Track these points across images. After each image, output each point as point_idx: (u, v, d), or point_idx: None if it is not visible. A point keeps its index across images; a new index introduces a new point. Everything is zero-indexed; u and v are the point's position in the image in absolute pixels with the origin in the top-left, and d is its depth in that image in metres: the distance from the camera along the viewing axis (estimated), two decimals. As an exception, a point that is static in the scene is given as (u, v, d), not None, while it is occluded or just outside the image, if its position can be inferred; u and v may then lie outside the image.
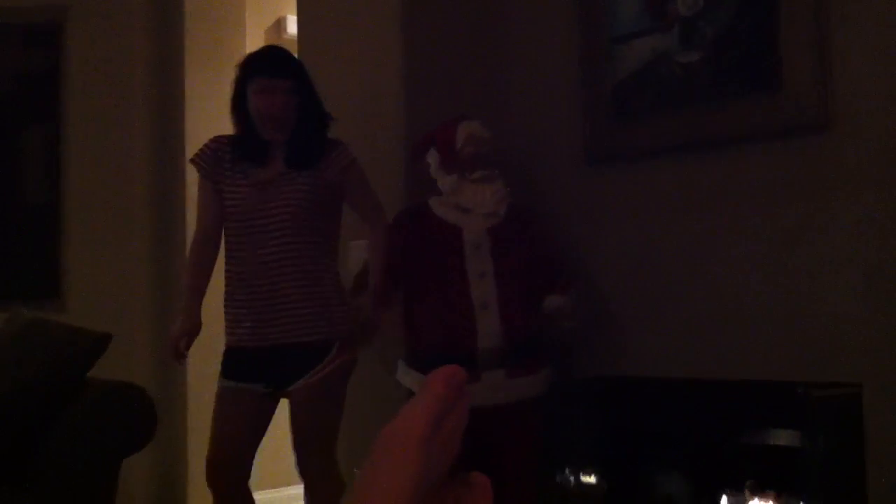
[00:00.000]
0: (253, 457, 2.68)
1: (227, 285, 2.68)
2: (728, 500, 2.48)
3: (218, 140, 2.71)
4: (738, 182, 2.56)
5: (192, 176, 3.97)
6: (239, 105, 2.64)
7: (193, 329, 2.69)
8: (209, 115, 4.10)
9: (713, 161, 2.61)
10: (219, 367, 2.69)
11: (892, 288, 2.24)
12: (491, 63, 3.18)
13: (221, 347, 2.69)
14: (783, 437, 2.35)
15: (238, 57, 4.14)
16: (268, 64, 2.62)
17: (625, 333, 2.82)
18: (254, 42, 4.27)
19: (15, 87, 4.25)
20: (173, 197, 4.14)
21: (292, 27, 4.02)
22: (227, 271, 2.67)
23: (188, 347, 2.70)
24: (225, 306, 2.70)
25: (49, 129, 4.24)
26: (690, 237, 2.66)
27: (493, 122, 2.80)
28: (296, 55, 3.44)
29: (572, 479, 2.73)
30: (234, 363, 2.66)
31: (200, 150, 2.70)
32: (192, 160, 2.71)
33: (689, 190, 2.67)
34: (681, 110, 2.66)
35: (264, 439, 2.71)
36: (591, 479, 2.71)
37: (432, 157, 2.74)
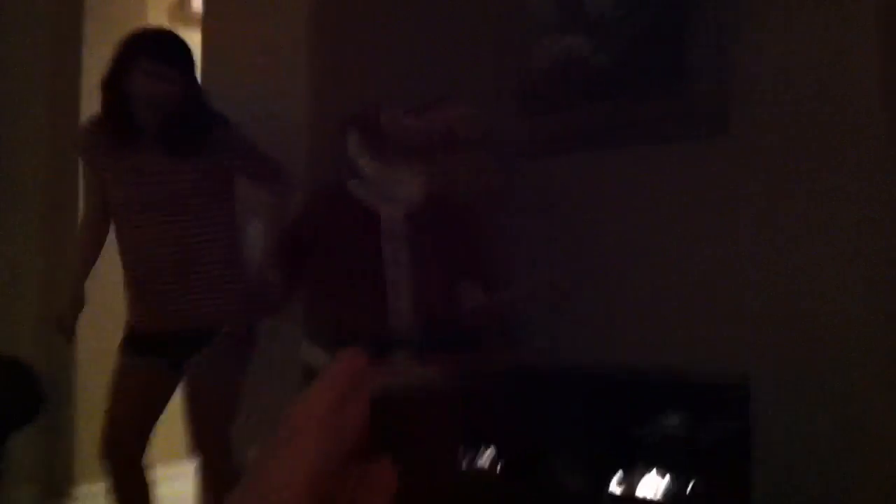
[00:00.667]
0: (150, 433, 2.67)
1: (123, 267, 2.66)
2: (621, 478, 2.60)
3: (93, 122, 2.65)
4: (641, 181, 2.65)
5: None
6: (116, 82, 2.54)
7: (77, 305, 2.68)
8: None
9: (617, 159, 2.69)
10: (108, 343, 2.68)
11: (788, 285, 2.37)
12: (402, 47, 3.19)
13: (111, 324, 2.68)
14: (676, 426, 2.48)
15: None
16: (161, 48, 2.55)
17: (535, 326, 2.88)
18: (157, 16, 4.17)
19: None
20: (65, 175, 4.02)
21: (197, 4, 3.96)
22: (120, 254, 2.65)
23: (74, 322, 2.68)
24: (124, 285, 2.68)
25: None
26: (591, 235, 2.75)
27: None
28: (199, 32, 3.43)
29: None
30: (132, 341, 2.66)
31: (79, 132, 2.67)
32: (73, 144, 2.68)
33: (592, 187, 2.75)
34: (589, 108, 2.74)
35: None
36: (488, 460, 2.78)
37: (352, 138, 2.69)
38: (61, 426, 3.92)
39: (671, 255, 2.59)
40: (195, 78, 2.62)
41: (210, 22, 3.34)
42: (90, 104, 3.86)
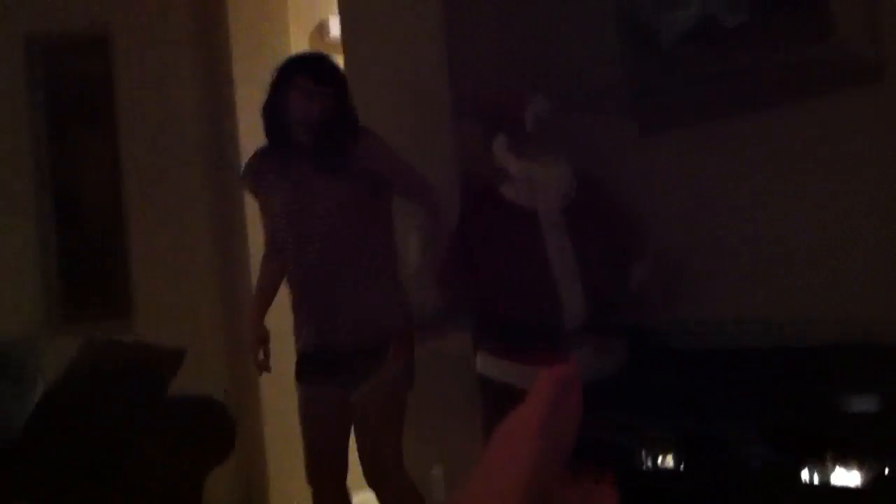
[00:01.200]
0: (345, 455, 2.71)
1: (289, 292, 2.72)
2: (810, 473, 2.43)
3: (257, 153, 2.75)
4: (794, 138, 2.48)
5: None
6: (274, 105, 2.65)
7: (260, 338, 2.73)
8: (259, 118, 4.14)
9: (768, 120, 2.54)
10: (287, 368, 2.73)
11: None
12: (534, 43, 3.13)
13: (287, 347, 2.74)
14: (862, 403, 2.30)
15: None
16: (315, 67, 2.64)
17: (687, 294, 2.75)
18: (298, 45, 4.29)
19: (68, 97, 4.34)
20: (232, 207, 4.19)
21: (335, 30, 4.03)
22: (286, 279, 2.71)
23: (267, 356, 2.73)
24: (292, 312, 2.74)
25: (106, 143, 4.31)
26: (750, 198, 2.60)
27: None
28: (340, 57, 3.49)
29: (649, 459, 2.70)
30: (304, 367, 2.71)
31: (245, 166, 2.75)
32: (240, 178, 2.76)
33: (744, 150, 2.60)
34: (731, 72, 2.58)
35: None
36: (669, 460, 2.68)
37: (500, 142, 2.69)
38: (254, 458, 4.08)
39: (835, 213, 2.41)
40: (347, 95, 2.67)
41: (349, 46, 3.37)
42: (247, 131, 4.07)
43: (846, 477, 2.33)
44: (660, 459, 2.73)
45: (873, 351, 2.28)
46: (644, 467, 2.69)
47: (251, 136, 4.04)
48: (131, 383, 2.86)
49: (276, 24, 4.24)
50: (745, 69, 2.54)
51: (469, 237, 2.68)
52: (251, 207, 4.06)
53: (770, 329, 2.56)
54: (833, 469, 2.34)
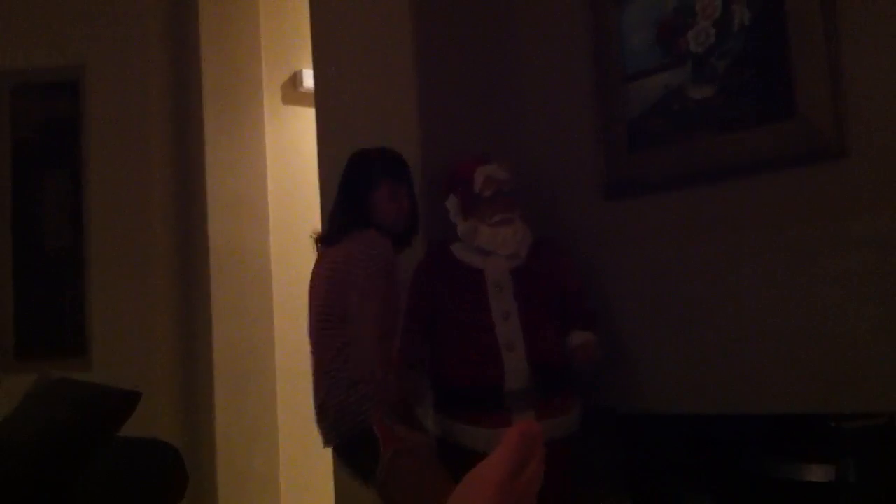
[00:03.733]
0: None
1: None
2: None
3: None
4: (754, 210, 2.56)
5: (215, 232, 4.09)
6: (360, 199, 2.67)
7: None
8: (228, 167, 4.18)
9: (728, 190, 2.62)
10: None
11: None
12: (505, 106, 3.21)
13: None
14: (816, 473, 2.33)
15: (255, 112, 4.25)
16: (398, 168, 2.71)
17: (643, 364, 2.80)
18: (271, 96, 4.34)
19: (37, 137, 4.33)
20: (195, 252, 4.18)
21: (308, 81, 4.09)
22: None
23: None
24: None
25: (70, 181, 4.30)
26: (707, 265, 2.66)
27: (509, 161, 2.81)
28: (311, 109, 3.53)
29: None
30: None
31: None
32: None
33: (705, 219, 2.68)
34: (695, 142, 2.67)
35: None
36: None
37: (451, 203, 2.76)
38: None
39: (789, 286, 2.47)
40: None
41: (322, 98, 3.42)
42: (214, 180, 4.08)
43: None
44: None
45: (827, 422, 2.34)
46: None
47: (218, 186, 4.12)
48: (83, 423, 2.81)
49: (249, 74, 4.29)
50: (710, 142, 2.62)
51: (421, 296, 2.71)
52: (214, 254, 4.11)
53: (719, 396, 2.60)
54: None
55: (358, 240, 2.57)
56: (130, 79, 4.31)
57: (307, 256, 2.79)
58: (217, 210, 4.12)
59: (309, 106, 3.71)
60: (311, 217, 3.25)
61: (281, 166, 4.30)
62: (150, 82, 4.34)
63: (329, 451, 2.65)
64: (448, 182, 2.80)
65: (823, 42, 2.37)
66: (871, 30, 2.32)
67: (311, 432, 2.64)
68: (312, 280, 2.69)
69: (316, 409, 2.61)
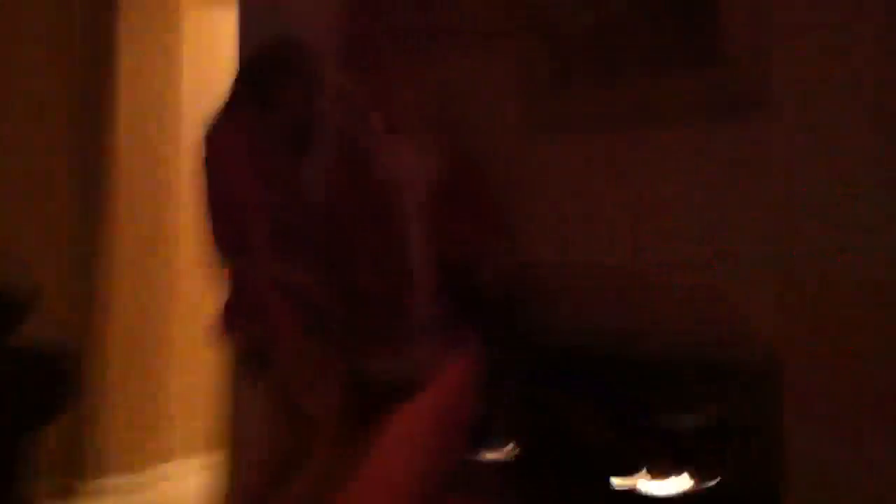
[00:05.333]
0: None
1: None
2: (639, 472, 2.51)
3: None
4: (676, 157, 2.58)
5: (125, 142, 3.93)
6: None
7: None
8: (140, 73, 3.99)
9: (652, 135, 2.62)
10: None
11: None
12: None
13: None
14: (700, 417, 2.36)
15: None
16: None
17: (555, 304, 2.80)
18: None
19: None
20: (105, 159, 4.03)
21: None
22: None
23: None
24: None
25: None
26: (625, 210, 2.68)
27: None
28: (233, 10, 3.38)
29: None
30: None
31: None
32: None
33: (626, 163, 2.68)
34: (614, 86, 2.67)
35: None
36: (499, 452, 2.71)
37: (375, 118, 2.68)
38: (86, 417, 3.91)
39: (702, 236, 2.51)
40: None
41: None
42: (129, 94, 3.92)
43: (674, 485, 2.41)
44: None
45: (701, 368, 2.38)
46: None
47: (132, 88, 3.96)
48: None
49: None
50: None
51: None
52: (123, 155, 3.95)
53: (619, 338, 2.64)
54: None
55: None
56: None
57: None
58: (130, 115, 3.96)
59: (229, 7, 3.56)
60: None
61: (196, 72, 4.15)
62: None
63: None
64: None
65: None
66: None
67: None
68: None
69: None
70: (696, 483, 2.35)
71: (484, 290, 2.65)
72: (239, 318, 2.47)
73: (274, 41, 2.67)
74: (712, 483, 2.34)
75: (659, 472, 2.39)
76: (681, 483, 2.37)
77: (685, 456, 2.39)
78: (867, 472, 2.20)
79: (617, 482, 2.43)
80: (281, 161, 2.54)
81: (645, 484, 2.39)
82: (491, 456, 2.70)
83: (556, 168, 2.86)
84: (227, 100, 2.56)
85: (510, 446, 2.69)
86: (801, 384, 2.28)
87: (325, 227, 2.64)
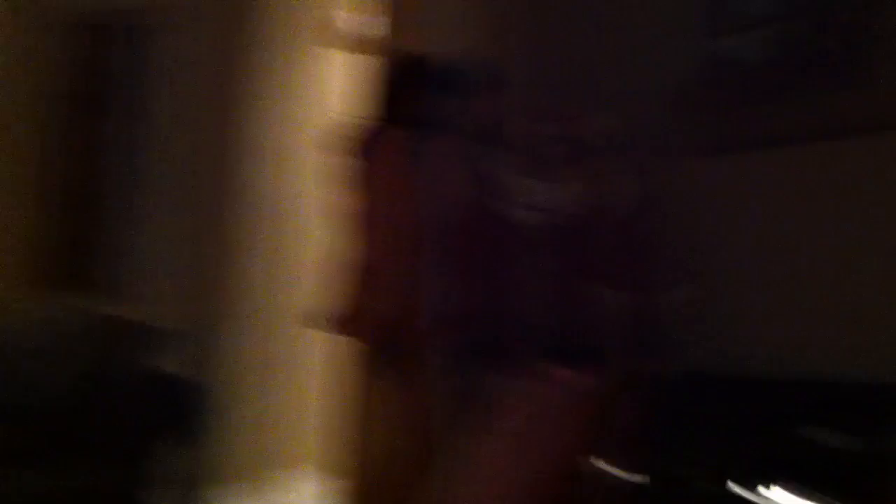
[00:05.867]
0: None
1: None
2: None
3: None
4: (831, 179, 2.52)
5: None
6: None
7: None
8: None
9: (802, 157, 2.58)
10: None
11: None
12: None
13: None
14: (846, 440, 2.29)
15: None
16: None
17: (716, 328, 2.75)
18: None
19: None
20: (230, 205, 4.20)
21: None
22: None
23: None
24: None
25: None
26: (778, 235, 2.64)
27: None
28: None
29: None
30: None
31: None
32: None
33: (765, 187, 2.66)
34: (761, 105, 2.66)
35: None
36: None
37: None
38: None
39: (849, 256, 2.45)
40: None
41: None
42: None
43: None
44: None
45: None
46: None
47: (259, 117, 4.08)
48: (114, 357, 2.84)
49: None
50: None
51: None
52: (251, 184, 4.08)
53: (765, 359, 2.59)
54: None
55: None
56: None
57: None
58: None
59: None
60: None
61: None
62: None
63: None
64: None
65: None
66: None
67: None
68: None
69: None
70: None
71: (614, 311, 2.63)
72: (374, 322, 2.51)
73: (418, 58, 2.71)
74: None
75: (793, 487, 2.33)
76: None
77: (824, 475, 2.33)
78: None
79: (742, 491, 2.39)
80: (434, 177, 2.56)
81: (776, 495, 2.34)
82: (622, 476, 2.68)
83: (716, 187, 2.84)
84: (379, 115, 2.60)
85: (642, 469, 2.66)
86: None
87: (459, 246, 2.69)
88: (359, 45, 3.77)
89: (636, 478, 2.57)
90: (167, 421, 2.90)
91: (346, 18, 4.18)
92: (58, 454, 2.72)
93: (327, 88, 4.33)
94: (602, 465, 2.57)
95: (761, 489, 2.36)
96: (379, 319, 2.51)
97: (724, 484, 2.46)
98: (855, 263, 2.45)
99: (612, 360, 2.60)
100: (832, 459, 2.31)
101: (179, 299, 4.05)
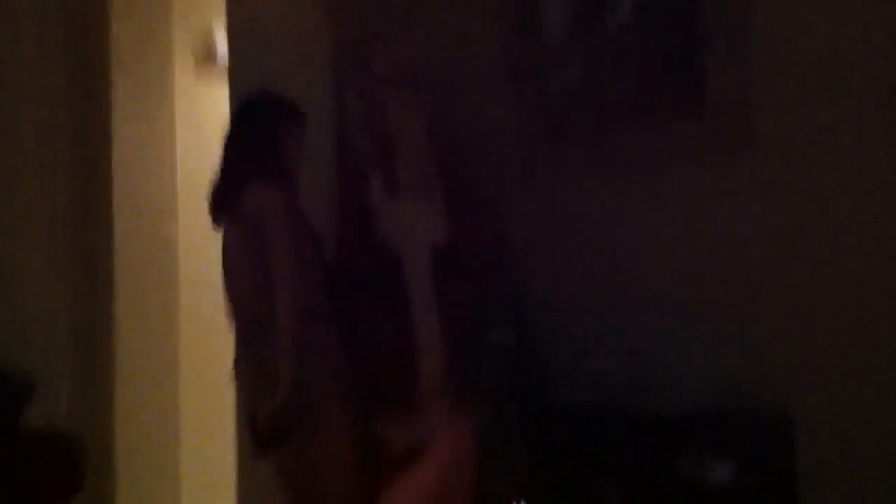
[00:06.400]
0: None
1: None
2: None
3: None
4: (663, 203, 2.57)
5: (120, 226, 3.92)
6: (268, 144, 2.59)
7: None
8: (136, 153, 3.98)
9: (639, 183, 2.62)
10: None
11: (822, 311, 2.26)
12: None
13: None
14: (715, 471, 2.31)
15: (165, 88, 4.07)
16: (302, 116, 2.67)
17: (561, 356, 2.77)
18: (183, 71, 4.16)
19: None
20: (98, 234, 3.98)
21: (223, 53, 3.92)
22: None
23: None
24: None
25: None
26: (614, 258, 2.66)
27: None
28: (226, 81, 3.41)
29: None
30: None
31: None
32: None
33: (614, 210, 2.67)
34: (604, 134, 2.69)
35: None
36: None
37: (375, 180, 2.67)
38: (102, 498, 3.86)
39: (699, 284, 2.48)
40: None
41: (238, 70, 3.31)
42: (120, 163, 3.90)
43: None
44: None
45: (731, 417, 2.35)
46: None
47: (124, 162, 3.94)
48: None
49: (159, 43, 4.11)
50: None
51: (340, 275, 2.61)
52: (120, 231, 3.92)
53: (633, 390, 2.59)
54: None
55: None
56: (35, 48, 4.04)
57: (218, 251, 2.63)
58: (122, 201, 3.93)
59: (223, 79, 3.55)
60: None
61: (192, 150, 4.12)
62: (54, 54, 4.07)
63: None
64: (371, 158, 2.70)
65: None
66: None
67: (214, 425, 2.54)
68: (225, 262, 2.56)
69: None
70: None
71: (489, 351, 2.61)
72: (256, 378, 2.47)
73: (264, 96, 2.68)
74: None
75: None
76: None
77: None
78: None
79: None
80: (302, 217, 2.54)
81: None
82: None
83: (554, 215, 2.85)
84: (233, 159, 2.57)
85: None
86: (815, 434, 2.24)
87: (337, 286, 2.62)
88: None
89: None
90: (39, 481, 2.73)
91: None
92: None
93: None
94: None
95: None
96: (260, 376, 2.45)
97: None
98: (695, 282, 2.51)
99: (488, 398, 2.60)
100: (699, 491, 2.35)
101: (50, 348, 3.84)
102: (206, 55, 4.21)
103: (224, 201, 2.54)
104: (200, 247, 3.78)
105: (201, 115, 4.13)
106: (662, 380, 2.51)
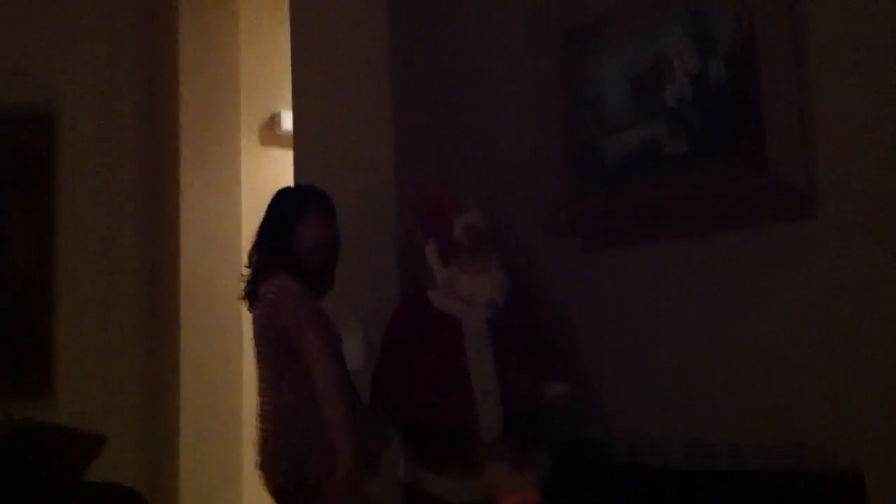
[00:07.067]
0: None
1: None
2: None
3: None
4: (728, 266, 2.57)
5: (187, 274, 4.05)
6: (283, 233, 2.63)
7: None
8: (202, 208, 4.14)
9: (703, 246, 2.63)
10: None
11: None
12: (482, 157, 3.22)
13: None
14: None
15: (231, 152, 4.23)
16: (325, 201, 2.68)
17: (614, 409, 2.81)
18: (248, 137, 4.32)
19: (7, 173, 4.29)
20: (165, 294, 4.13)
21: (287, 123, 4.07)
22: None
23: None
24: None
25: (40, 219, 4.25)
26: (682, 321, 2.66)
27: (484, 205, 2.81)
28: (290, 150, 3.53)
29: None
30: None
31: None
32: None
33: (680, 275, 2.68)
34: (672, 198, 2.68)
35: None
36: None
37: (430, 250, 2.74)
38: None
39: (763, 343, 2.48)
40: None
41: (301, 140, 3.42)
42: (189, 224, 4.04)
43: None
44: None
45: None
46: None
47: (191, 226, 4.08)
48: (48, 467, 2.75)
49: (226, 114, 4.27)
50: (686, 196, 2.64)
51: (396, 342, 2.70)
52: (185, 298, 4.05)
53: (690, 450, 2.61)
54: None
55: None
56: (105, 115, 4.26)
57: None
58: (189, 252, 4.07)
59: (287, 148, 3.69)
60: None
61: (257, 209, 4.25)
62: (126, 120, 4.29)
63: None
64: (425, 224, 2.79)
65: (796, 98, 2.39)
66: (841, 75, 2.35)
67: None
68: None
69: (268, 452, 2.58)
70: None
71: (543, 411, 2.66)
72: (289, 458, 2.50)
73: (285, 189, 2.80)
74: None
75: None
76: None
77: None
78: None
79: None
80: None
81: None
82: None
83: (610, 282, 2.88)
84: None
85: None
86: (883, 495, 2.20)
87: (387, 361, 2.71)
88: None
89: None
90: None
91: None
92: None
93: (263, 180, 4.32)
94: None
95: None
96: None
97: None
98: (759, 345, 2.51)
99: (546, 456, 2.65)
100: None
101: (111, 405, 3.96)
102: (271, 124, 4.39)
103: (248, 290, 2.66)
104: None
105: (266, 176, 4.25)
106: (730, 441, 2.50)
